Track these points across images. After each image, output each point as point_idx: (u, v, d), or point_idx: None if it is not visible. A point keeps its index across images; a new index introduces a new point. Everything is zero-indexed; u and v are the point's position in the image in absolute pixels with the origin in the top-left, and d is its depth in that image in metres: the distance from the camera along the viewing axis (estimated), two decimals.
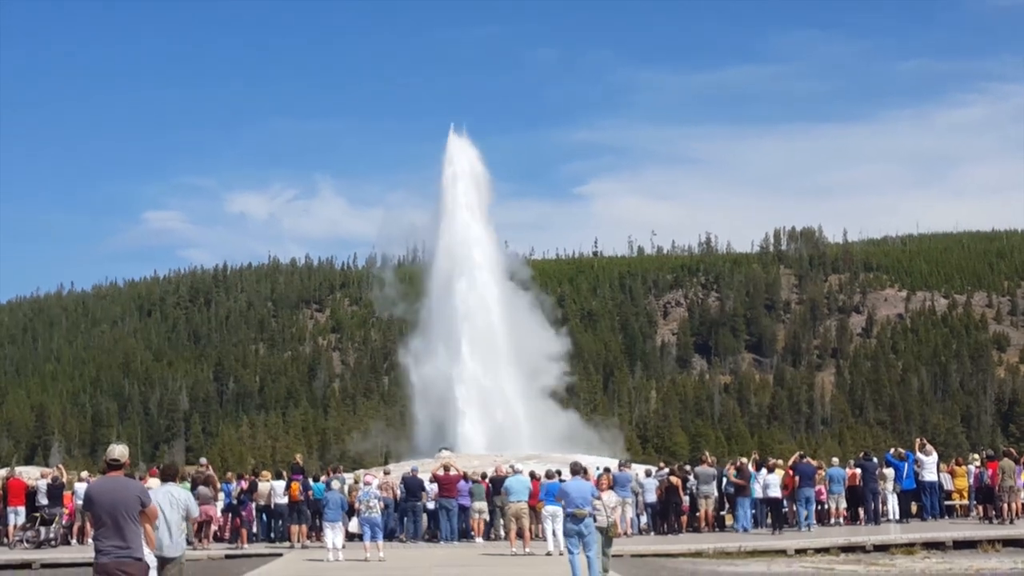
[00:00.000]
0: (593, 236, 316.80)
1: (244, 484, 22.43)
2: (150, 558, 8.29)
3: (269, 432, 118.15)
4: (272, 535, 22.13)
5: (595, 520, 13.31)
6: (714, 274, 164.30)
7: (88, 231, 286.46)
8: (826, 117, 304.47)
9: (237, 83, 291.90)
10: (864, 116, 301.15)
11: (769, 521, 22.61)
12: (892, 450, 25.69)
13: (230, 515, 22.70)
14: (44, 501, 21.72)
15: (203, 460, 25.81)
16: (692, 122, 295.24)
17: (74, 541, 21.86)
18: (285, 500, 21.37)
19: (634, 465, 28.54)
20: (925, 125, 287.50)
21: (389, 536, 20.76)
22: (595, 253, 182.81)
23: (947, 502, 24.41)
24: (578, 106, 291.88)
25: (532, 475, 20.86)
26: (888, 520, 23.21)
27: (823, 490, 23.72)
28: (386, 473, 24.77)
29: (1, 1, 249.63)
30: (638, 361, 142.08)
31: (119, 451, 8.00)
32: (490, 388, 47.09)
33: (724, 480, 23.31)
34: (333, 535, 17.81)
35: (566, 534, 13.79)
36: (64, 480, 23.38)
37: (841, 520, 23.47)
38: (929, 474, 23.16)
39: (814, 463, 23.94)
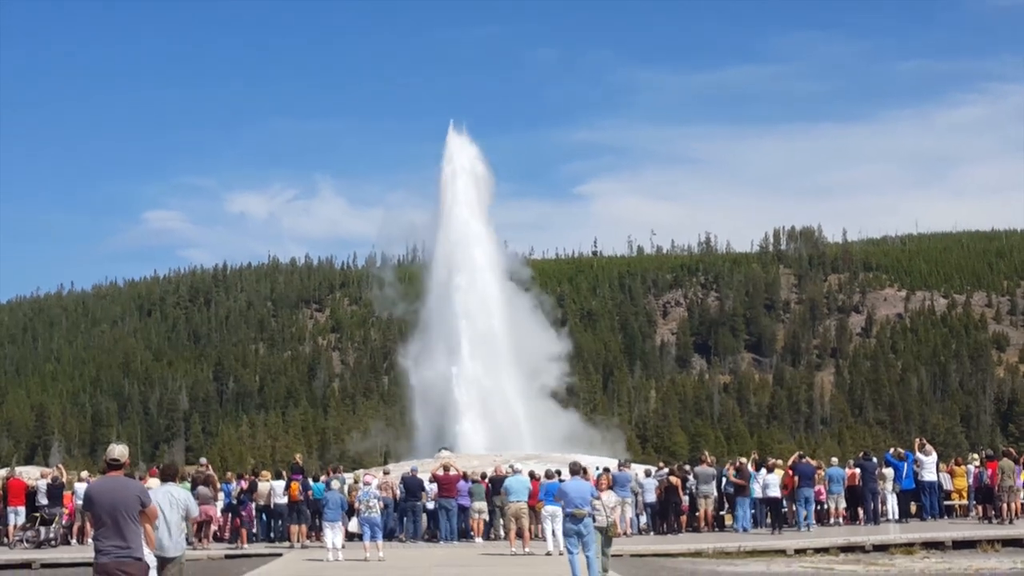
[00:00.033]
0: (593, 236, 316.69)
1: (244, 484, 22.43)
2: (150, 558, 8.30)
3: (269, 432, 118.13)
4: (272, 535, 22.14)
5: (594, 520, 13.33)
6: (713, 274, 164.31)
7: (88, 231, 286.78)
8: (826, 117, 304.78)
9: (237, 83, 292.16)
10: (864, 116, 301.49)
11: (768, 521, 22.62)
12: (891, 450, 25.72)
13: (230, 515, 22.71)
14: (44, 501, 21.72)
15: (203, 460, 25.83)
16: (692, 122, 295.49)
17: (74, 541, 21.85)
18: (285, 500, 21.38)
19: (633, 465, 28.55)
20: (925, 125, 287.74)
21: (389, 536, 20.77)
22: (595, 253, 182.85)
23: (946, 502, 24.43)
24: (578, 106, 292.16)
25: (532, 475, 20.87)
26: (887, 520, 23.21)
27: (822, 490, 23.72)
28: (386, 473, 24.77)
29: (1, 1, 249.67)
30: (637, 361, 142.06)
31: (119, 451, 8.00)
32: (490, 388, 47.00)
33: (724, 480, 23.32)
34: (333, 535, 17.82)
35: (565, 534, 13.81)
36: (64, 480, 23.39)
37: (840, 520, 23.47)
38: (928, 474, 23.18)
39: (813, 463, 23.94)
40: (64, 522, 22.30)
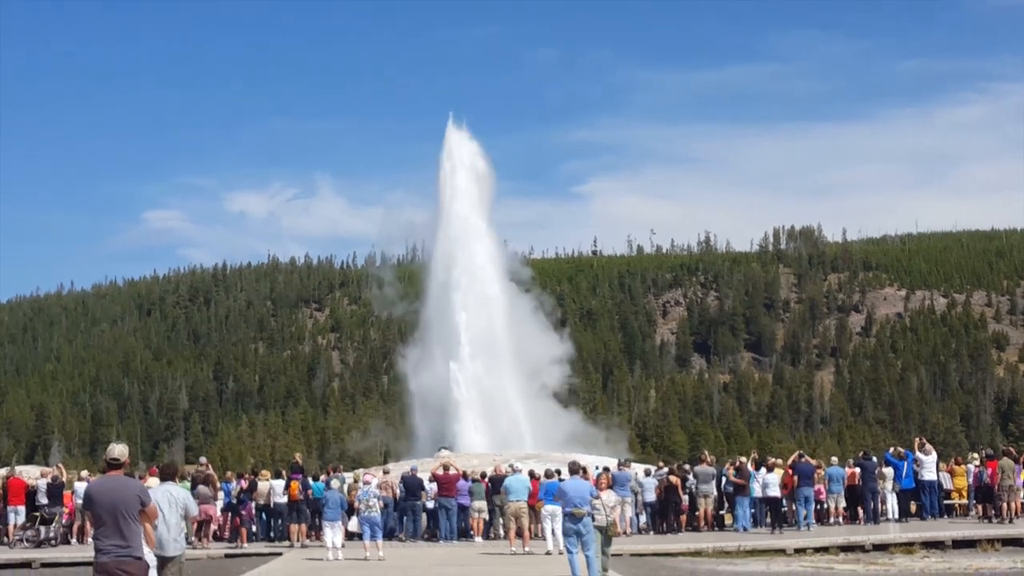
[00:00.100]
0: (592, 235, 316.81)
1: (244, 483, 22.43)
2: (150, 557, 8.31)
3: (268, 431, 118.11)
4: (272, 534, 22.14)
5: (593, 519, 13.33)
6: (713, 273, 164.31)
7: (88, 231, 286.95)
8: (826, 117, 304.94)
9: (237, 83, 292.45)
10: (864, 116, 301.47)
11: (768, 520, 22.62)
12: (891, 449, 25.70)
13: (230, 514, 22.71)
14: (44, 500, 21.72)
15: (203, 459, 25.83)
16: (692, 122, 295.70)
17: (74, 540, 21.84)
18: (285, 499, 21.38)
19: (633, 464, 28.54)
20: (925, 124, 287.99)
21: (388, 535, 20.77)
22: (594, 252, 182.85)
23: (946, 501, 24.43)
24: (578, 106, 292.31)
25: (531, 474, 20.87)
26: (887, 519, 23.21)
27: (822, 489, 23.71)
28: (385, 472, 24.76)
29: (1, 1, 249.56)
30: (637, 360, 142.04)
31: (119, 450, 8.00)
32: (491, 388, 46.82)
33: (723, 479, 23.31)
34: (332, 534, 17.81)
35: (565, 533, 13.81)
36: (64, 479, 23.39)
37: (840, 519, 23.46)
38: (928, 473, 23.17)
39: (813, 462, 23.93)
40: (64, 521, 22.30)
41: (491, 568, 16.52)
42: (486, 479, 22.25)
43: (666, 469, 24.29)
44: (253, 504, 21.98)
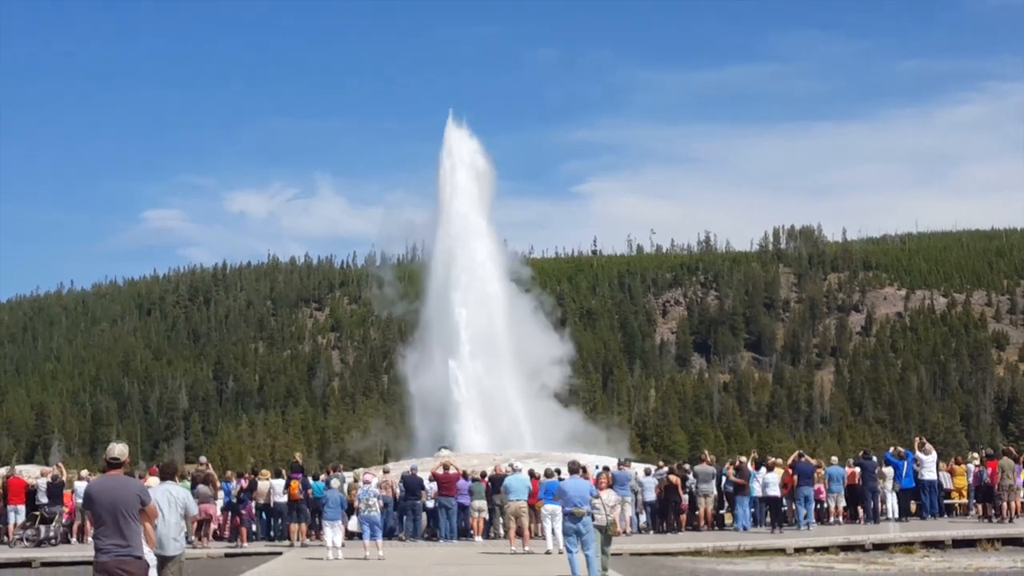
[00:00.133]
0: (592, 235, 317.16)
1: (244, 483, 22.43)
2: (150, 556, 8.31)
3: (268, 431, 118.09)
4: (272, 534, 22.14)
5: (593, 519, 13.33)
6: (713, 273, 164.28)
7: (88, 231, 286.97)
8: (826, 116, 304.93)
9: (237, 83, 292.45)
10: (864, 115, 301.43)
11: (768, 520, 22.62)
12: (891, 449, 25.70)
13: (230, 514, 22.71)
14: (44, 500, 21.73)
15: (203, 459, 25.81)
16: (692, 121, 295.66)
17: (74, 540, 21.85)
18: (285, 499, 21.38)
19: (633, 464, 28.54)
20: (925, 124, 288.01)
21: (388, 535, 20.77)
22: (594, 252, 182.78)
23: (946, 501, 24.42)
24: (578, 106, 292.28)
25: (531, 474, 20.87)
26: (887, 519, 23.21)
27: (822, 489, 23.71)
28: (385, 472, 24.76)
29: (1, 1, 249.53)
30: (637, 360, 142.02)
31: (119, 450, 8.00)
32: (491, 388, 46.77)
33: (723, 479, 23.31)
34: (332, 534, 17.82)
35: (564, 533, 13.81)
36: (64, 479, 23.40)
37: (840, 519, 23.47)
38: (928, 473, 23.17)
39: (813, 462, 23.94)
40: (64, 521, 22.31)
41: (491, 567, 16.51)
42: (486, 478, 22.25)
43: (666, 468, 24.29)
44: (253, 503, 21.98)
